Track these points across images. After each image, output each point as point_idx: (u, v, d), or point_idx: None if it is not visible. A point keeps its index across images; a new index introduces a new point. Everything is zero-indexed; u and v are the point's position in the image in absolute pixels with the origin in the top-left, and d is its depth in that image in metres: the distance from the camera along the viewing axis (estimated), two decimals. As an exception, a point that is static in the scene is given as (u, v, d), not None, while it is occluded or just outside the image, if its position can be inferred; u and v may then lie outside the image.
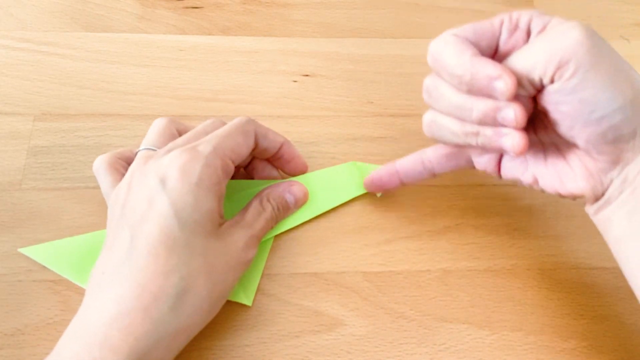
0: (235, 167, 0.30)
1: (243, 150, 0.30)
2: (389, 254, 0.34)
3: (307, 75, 0.40)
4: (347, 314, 0.32)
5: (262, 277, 0.33)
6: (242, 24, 0.42)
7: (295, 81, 0.40)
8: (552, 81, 0.25)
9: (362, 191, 0.35)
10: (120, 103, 0.38)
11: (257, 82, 0.39)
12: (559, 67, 0.24)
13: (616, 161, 0.25)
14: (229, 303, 0.31)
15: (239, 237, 0.29)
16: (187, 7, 0.42)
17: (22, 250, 0.32)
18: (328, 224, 0.34)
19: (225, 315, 0.31)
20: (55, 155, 0.35)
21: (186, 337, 0.27)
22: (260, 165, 0.34)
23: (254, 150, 0.31)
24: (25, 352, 0.30)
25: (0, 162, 0.35)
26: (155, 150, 0.30)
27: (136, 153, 0.31)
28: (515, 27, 0.27)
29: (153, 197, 0.26)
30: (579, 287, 0.33)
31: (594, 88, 0.24)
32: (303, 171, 0.35)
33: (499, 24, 0.27)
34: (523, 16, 0.27)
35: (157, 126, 0.32)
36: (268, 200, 0.32)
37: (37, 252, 0.32)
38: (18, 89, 0.38)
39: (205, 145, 0.28)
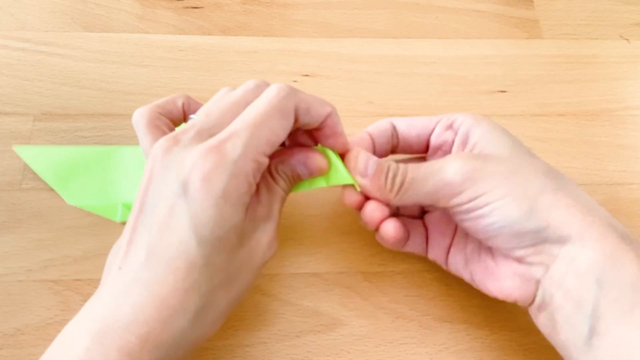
0: None
1: (280, 136, 0.25)
2: (389, 254, 0.34)
3: (307, 75, 0.40)
4: (347, 314, 0.32)
5: (262, 277, 0.32)
6: (242, 24, 0.42)
7: (295, 81, 0.40)
8: (446, 206, 0.26)
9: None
10: (120, 103, 0.38)
11: (257, 82, 0.39)
12: (450, 201, 0.26)
13: (536, 264, 0.25)
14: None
15: (261, 236, 0.26)
16: (187, 7, 0.42)
17: (15, 148, 0.35)
18: (328, 224, 0.34)
19: (225, 315, 0.31)
20: (55, 155, 0.35)
21: (204, 340, 0.26)
22: (295, 134, 0.29)
23: (295, 122, 0.27)
24: (25, 352, 0.30)
25: (0, 162, 0.35)
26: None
27: (182, 105, 0.31)
28: (449, 127, 0.29)
29: (173, 204, 0.24)
30: (579, 287, 0.33)
31: (487, 206, 0.25)
32: (343, 151, 0.29)
33: (435, 121, 0.30)
34: (457, 119, 0.29)
35: (220, 96, 0.28)
36: (278, 173, 0.28)
37: (28, 154, 0.34)
38: (18, 89, 0.38)
39: (235, 143, 0.24)
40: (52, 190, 0.34)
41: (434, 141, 0.30)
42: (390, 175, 0.28)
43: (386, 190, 0.28)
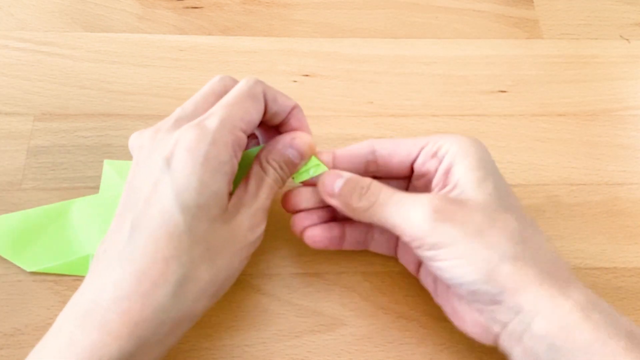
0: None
1: (254, 116, 0.27)
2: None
3: (307, 75, 0.40)
4: (347, 314, 0.32)
5: (262, 277, 0.32)
6: (242, 24, 0.42)
7: (295, 81, 0.40)
8: (408, 244, 0.27)
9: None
10: (120, 103, 0.38)
11: (257, 82, 0.39)
12: (411, 241, 0.26)
13: (495, 319, 0.25)
14: (230, 304, 0.31)
15: (243, 217, 0.27)
16: (187, 7, 0.42)
17: None
18: (328, 224, 0.34)
19: (225, 315, 0.31)
20: (55, 155, 0.35)
21: (189, 322, 0.26)
22: (267, 134, 0.32)
23: (263, 115, 0.29)
24: (25, 352, 0.29)
25: (0, 162, 0.35)
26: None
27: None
28: (433, 155, 0.28)
29: (157, 178, 0.25)
30: (579, 287, 0.33)
31: (446, 261, 0.25)
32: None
33: (419, 147, 0.29)
34: (443, 147, 0.28)
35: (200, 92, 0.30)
36: (268, 162, 0.29)
37: None
38: (18, 89, 0.38)
39: (212, 119, 0.26)
40: (52, 190, 0.34)
41: (417, 169, 0.29)
42: (357, 194, 0.28)
43: (352, 208, 0.28)
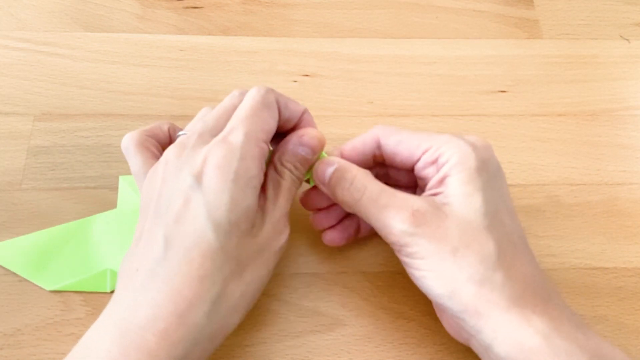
0: None
1: (272, 126, 0.28)
2: (389, 254, 0.34)
3: (307, 75, 0.40)
4: (347, 314, 0.32)
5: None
6: (242, 24, 0.42)
7: (295, 81, 0.40)
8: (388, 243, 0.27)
9: None
10: (120, 103, 0.38)
11: (257, 82, 0.39)
12: (392, 244, 0.27)
13: (464, 329, 0.26)
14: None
15: (267, 227, 0.27)
16: (187, 7, 0.42)
17: None
18: (328, 224, 0.34)
19: (225, 315, 0.31)
20: (55, 155, 0.35)
21: (222, 338, 0.26)
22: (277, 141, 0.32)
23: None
24: (25, 352, 0.30)
25: (0, 162, 0.35)
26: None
27: (168, 129, 0.31)
28: (433, 162, 0.28)
29: (188, 196, 0.25)
30: (579, 287, 0.33)
31: (418, 270, 0.26)
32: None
33: (422, 151, 0.28)
34: (443, 155, 0.27)
35: (203, 114, 0.30)
36: (283, 165, 0.29)
37: None
38: (18, 89, 0.38)
39: (237, 134, 0.26)
40: (52, 190, 0.34)
41: (417, 172, 0.29)
42: (341, 187, 0.28)
43: (339, 200, 0.29)
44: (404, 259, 0.27)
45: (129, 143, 0.30)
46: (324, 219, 0.32)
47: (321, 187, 0.30)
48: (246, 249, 0.26)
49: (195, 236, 0.25)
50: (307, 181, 0.31)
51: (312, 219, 0.32)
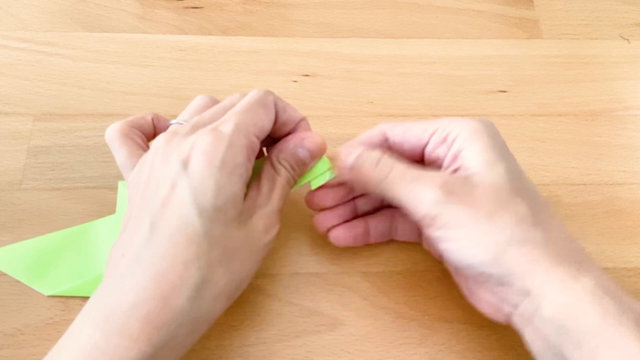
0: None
1: (266, 123, 0.28)
2: (389, 254, 0.34)
3: (307, 75, 0.40)
4: (347, 314, 0.32)
5: (262, 277, 0.32)
6: (242, 24, 0.42)
7: (295, 81, 0.40)
8: (417, 222, 0.27)
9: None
10: (120, 103, 0.38)
11: (257, 82, 0.39)
12: (421, 220, 0.26)
13: (505, 300, 0.26)
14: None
15: (257, 219, 0.27)
16: (187, 7, 0.42)
17: None
18: (328, 224, 0.34)
19: (225, 316, 0.31)
20: (55, 155, 0.35)
21: (206, 324, 0.26)
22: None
23: (274, 124, 0.29)
24: (25, 352, 0.30)
25: (0, 162, 0.35)
26: (182, 124, 0.29)
27: (152, 120, 0.31)
28: (443, 141, 0.28)
29: (175, 181, 0.25)
30: (579, 287, 0.33)
31: (454, 242, 0.26)
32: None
33: (430, 133, 0.29)
34: (452, 132, 0.28)
35: (196, 103, 0.31)
36: (280, 162, 0.29)
37: None
38: (18, 89, 0.38)
39: (227, 124, 0.27)
40: (52, 190, 0.34)
41: (428, 155, 0.29)
42: (373, 164, 0.28)
43: (365, 181, 0.28)
44: (436, 234, 0.26)
45: (113, 134, 0.30)
46: (328, 219, 0.32)
47: (343, 173, 0.29)
48: (233, 238, 0.26)
49: (181, 221, 0.25)
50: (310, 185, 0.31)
51: (316, 219, 0.32)
